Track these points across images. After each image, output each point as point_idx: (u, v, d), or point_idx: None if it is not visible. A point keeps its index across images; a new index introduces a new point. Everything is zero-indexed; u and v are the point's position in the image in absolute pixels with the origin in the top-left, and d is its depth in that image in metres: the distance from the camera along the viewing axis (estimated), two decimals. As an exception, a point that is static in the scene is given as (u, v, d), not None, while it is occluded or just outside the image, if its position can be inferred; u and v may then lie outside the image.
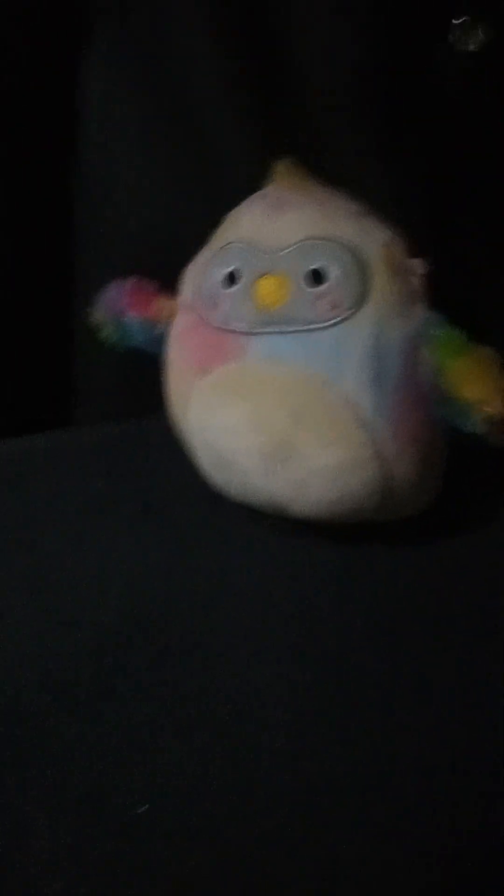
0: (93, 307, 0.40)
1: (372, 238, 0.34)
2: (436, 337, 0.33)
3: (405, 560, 0.36)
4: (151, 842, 0.28)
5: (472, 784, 0.29)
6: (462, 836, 0.28)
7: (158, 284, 0.39)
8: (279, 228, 0.35)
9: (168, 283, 0.39)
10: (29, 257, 0.52)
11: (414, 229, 0.35)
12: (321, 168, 0.37)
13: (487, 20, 0.46)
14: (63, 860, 0.27)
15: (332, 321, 0.33)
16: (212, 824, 0.28)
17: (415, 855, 0.28)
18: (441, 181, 0.48)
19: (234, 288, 0.35)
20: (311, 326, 0.33)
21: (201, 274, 0.37)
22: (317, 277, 0.34)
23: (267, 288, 0.34)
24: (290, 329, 0.34)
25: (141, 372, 0.40)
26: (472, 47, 0.44)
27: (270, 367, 0.34)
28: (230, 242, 0.36)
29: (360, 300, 0.33)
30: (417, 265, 0.34)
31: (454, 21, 0.45)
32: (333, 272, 0.33)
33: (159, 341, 0.38)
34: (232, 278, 0.35)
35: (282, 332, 0.34)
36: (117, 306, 0.39)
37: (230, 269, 0.35)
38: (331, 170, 0.37)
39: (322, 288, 0.33)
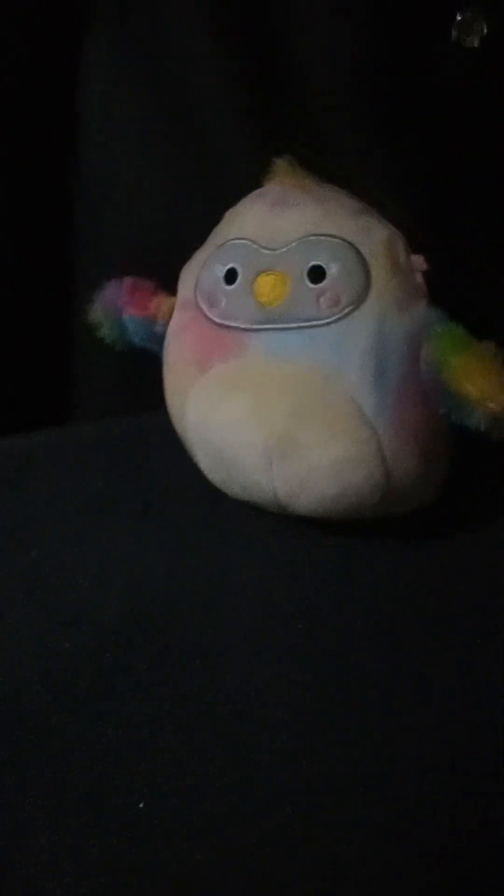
0: (91, 305, 0.40)
1: (372, 235, 0.34)
2: (437, 333, 0.33)
3: (405, 560, 0.36)
4: (152, 841, 0.28)
5: (472, 784, 0.29)
6: (462, 836, 0.28)
7: (157, 283, 0.39)
8: (279, 226, 0.35)
9: (168, 282, 0.39)
10: (29, 257, 0.52)
11: (414, 226, 0.35)
12: (321, 167, 0.37)
13: (490, 14, 0.46)
14: (63, 860, 0.27)
15: (334, 318, 0.33)
16: (212, 824, 0.28)
17: (415, 855, 0.28)
18: (441, 179, 0.48)
19: (234, 285, 0.35)
20: (313, 323, 0.33)
21: (200, 271, 0.36)
22: (317, 274, 0.34)
23: (267, 285, 0.34)
24: (292, 325, 0.34)
25: (140, 370, 0.39)
26: (475, 43, 0.44)
27: (272, 363, 0.34)
28: (230, 240, 0.36)
29: (361, 297, 0.33)
30: (418, 262, 0.34)
31: (458, 17, 0.44)
32: (334, 269, 0.33)
33: (158, 339, 0.38)
34: (232, 275, 0.35)
35: (283, 329, 0.34)
36: (115, 304, 0.39)
37: (230, 267, 0.35)
38: (331, 169, 0.37)
39: (323, 285, 0.33)
